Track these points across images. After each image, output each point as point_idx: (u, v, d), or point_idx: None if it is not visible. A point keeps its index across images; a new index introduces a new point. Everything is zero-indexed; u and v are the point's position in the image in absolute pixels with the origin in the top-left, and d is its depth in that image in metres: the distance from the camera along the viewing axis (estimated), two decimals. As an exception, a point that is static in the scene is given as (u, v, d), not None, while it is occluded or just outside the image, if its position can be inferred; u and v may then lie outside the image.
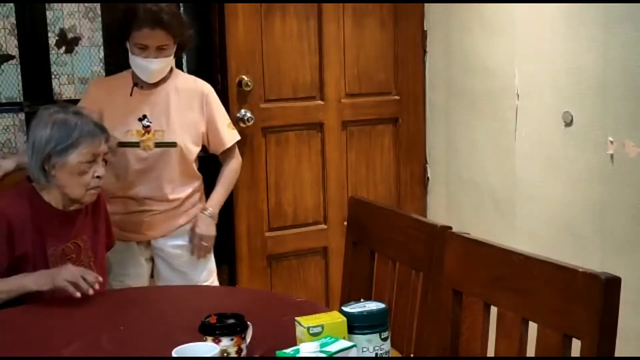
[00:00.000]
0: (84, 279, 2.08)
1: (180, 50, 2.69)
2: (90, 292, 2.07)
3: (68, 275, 2.08)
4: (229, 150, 2.81)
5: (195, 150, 2.69)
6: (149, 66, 2.56)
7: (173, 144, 2.62)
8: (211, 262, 2.83)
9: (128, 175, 2.63)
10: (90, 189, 2.24)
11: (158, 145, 2.61)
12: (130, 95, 2.64)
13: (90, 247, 2.34)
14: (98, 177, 2.24)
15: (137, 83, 2.65)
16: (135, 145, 2.59)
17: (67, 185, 2.22)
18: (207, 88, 2.76)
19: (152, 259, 2.77)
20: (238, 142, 2.87)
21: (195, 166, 2.74)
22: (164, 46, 2.56)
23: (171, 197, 2.67)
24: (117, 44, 2.71)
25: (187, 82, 2.74)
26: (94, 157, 2.23)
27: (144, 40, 2.53)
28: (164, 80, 2.66)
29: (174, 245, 2.72)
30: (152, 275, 2.79)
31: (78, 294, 2.05)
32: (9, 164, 2.55)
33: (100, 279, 2.13)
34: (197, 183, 2.76)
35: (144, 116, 2.62)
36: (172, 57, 2.62)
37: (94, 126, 2.25)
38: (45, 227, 2.23)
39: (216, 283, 2.87)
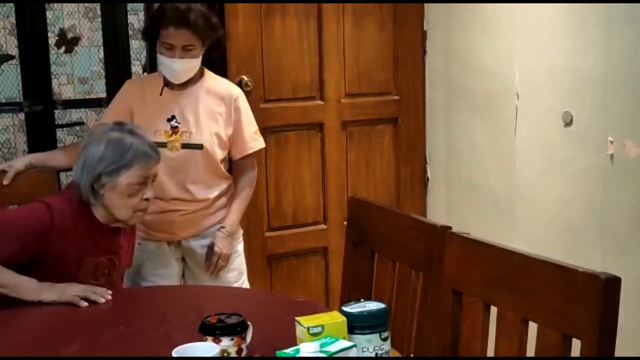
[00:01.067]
0: (94, 293, 2.08)
1: (212, 52, 2.66)
2: (102, 300, 2.07)
3: (77, 291, 2.07)
4: (249, 158, 2.75)
5: (221, 153, 2.65)
6: (172, 66, 2.54)
7: (199, 146, 2.59)
8: (242, 264, 2.79)
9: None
10: (138, 211, 2.21)
11: (184, 146, 2.58)
12: (160, 95, 2.62)
13: (121, 265, 2.31)
14: (146, 199, 2.21)
15: (168, 83, 2.63)
16: (163, 145, 2.53)
17: (114, 206, 2.18)
18: (238, 91, 2.72)
19: (182, 259, 2.75)
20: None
21: (224, 167, 2.71)
22: (190, 46, 2.53)
23: (200, 197, 2.64)
24: (150, 44, 2.71)
25: (217, 84, 2.70)
26: (145, 179, 2.20)
27: (170, 40, 2.51)
28: (194, 81, 2.64)
29: (204, 246, 2.69)
30: (182, 275, 2.76)
31: (85, 303, 2.05)
32: (20, 164, 2.58)
33: (110, 293, 2.10)
34: (226, 184, 2.72)
35: (173, 117, 2.59)
36: (199, 58, 2.58)
37: (149, 147, 2.21)
38: (86, 237, 2.18)
39: (247, 284, 2.82)
